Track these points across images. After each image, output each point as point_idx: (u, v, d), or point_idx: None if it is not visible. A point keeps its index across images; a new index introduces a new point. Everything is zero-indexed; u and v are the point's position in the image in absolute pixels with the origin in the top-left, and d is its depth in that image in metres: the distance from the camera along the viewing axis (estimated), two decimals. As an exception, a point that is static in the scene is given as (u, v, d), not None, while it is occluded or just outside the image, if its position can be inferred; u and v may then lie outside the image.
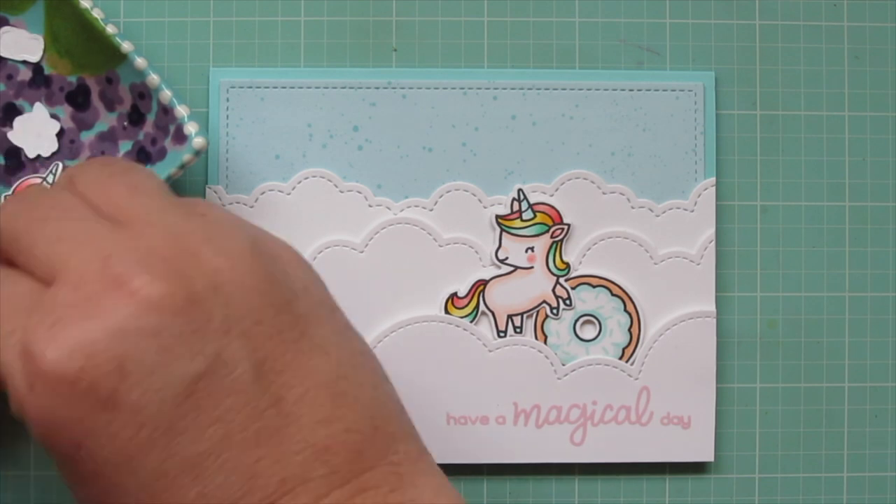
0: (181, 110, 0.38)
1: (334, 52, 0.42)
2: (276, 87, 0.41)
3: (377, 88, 0.41)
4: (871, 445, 0.43)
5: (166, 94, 0.38)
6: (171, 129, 0.38)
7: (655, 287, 0.41)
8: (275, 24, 0.41)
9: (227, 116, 0.41)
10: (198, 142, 0.37)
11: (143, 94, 0.39)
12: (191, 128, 0.38)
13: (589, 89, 0.41)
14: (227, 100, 0.41)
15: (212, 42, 0.41)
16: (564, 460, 0.41)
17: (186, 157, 0.38)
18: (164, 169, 0.38)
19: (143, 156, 0.39)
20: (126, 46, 0.38)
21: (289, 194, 0.41)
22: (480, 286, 0.41)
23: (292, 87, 0.41)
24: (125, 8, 0.41)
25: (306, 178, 0.41)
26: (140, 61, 0.38)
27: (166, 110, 0.38)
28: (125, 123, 0.40)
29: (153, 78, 0.38)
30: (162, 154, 0.39)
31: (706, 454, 0.42)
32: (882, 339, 0.43)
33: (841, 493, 0.43)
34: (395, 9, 0.42)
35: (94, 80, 0.40)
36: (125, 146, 0.40)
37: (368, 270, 0.41)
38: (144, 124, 0.40)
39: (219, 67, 0.41)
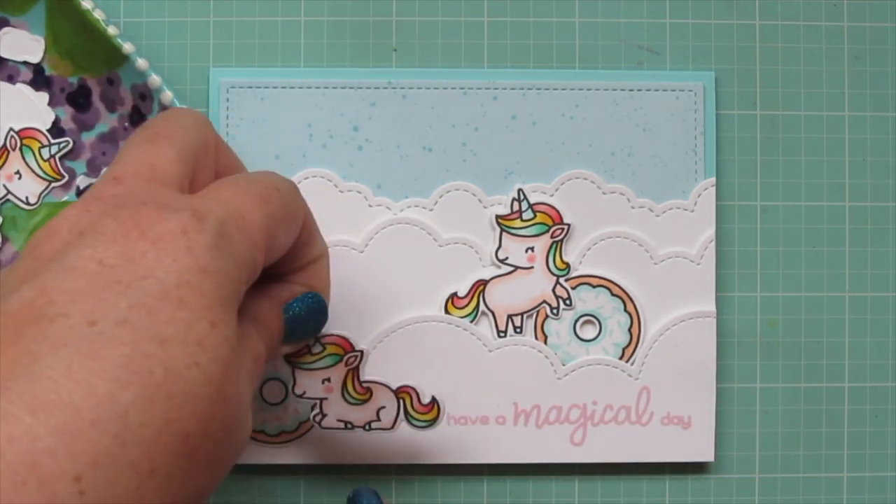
0: None
1: (334, 52, 0.42)
2: (276, 87, 0.41)
3: (377, 88, 0.41)
4: (871, 445, 0.43)
5: (168, 95, 0.38)
6: None
7: (655, 287, 0.41)
8: (275, 24, 0.41)
9: (228, 116, 0.41)
10: None
11: (144, 95, 0.39)
12: None
13: (589, 89, 0.41)
14: (228, 100, 0.41)
15: (212, 42, 0.41)
16: (564, 460, 0.41)
17: None
18: None
19: None
20: (127, 48, 0.38)
21: (289, 194, 0.41)
22: (480, 286, 0.41)
23: (292, 87, 0.41)
24: (125, 8, 0.41)
25: (306, 178, 0.41)
26: (141, 62, 0.38)
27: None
28: (126, 124, 0.40)
29: (154, 79, 0.38)
30: None
31: (706, 454, 0.42)
32: (882, 339, 0.43)
33: (841, 493, 0.43)
34: (395, 9, 0.42)
35: (95, 81, 0.40)
36: None
37: (368, 270, 0.41)
38: None
39: (219, 67, 0.41)
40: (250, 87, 0.41)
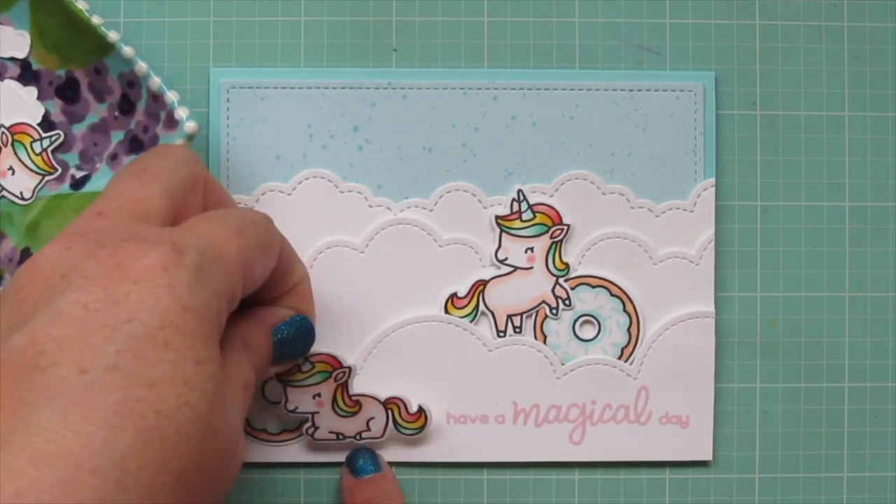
0: (171, 96, 0.38)
1: (334, 52, 0.42)
2: (276, 88, 0.41)
3: (377, 88, 0.41)
4: (871, 445, 0.43)
5: (155, 81, 0.38)
6: (162, 115, 0.38)
7: (655, 287, 0.41)
8: (275, 24, 0.41)
9: (228, 117, 0.41)
10: (189, 126, 0.37)
11: (132, 82, 0.39)
12: (181, 112, 0.38)
13: (589, 89, 0.41)
14: (228, 100, 0.41)
15: (212, 42, 0.41)
16: (563, 459, 0.42)
17: (179, 141, 0.38)
18: None
19: (136, 144, 0.39)
20: (112, 36, 0.38)
21: (289, 195, 0.41)
22: (480, 286, 0.41)
23: (292, 88, 0.41)
24: (125, 8, 0.41)
25: (307, 179, 0.41)
26: (127, 50, 0.38)
27: (156, 97, 0.38)
28: (116, 113, 0.40)
29: (141, 66, 0.38)
30: (154, 141, 0.39)
31: (705, 453, 0.42)
32: (882, 339, 0.43)
33: (841, 493, 0.43)
34: (395, 9, 0.42)
35: (82, 72, 0.40)
36: (117, 136, 0.40)
37: (368, 270, 0.41)
38: (135, 113, 0.40)
39: (219, 67, 0.41)
40: (250, 88, 0.41)
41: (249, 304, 0.35)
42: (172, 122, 0.38)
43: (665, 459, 0.42)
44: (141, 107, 0.39)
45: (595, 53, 0.42)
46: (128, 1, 0.41)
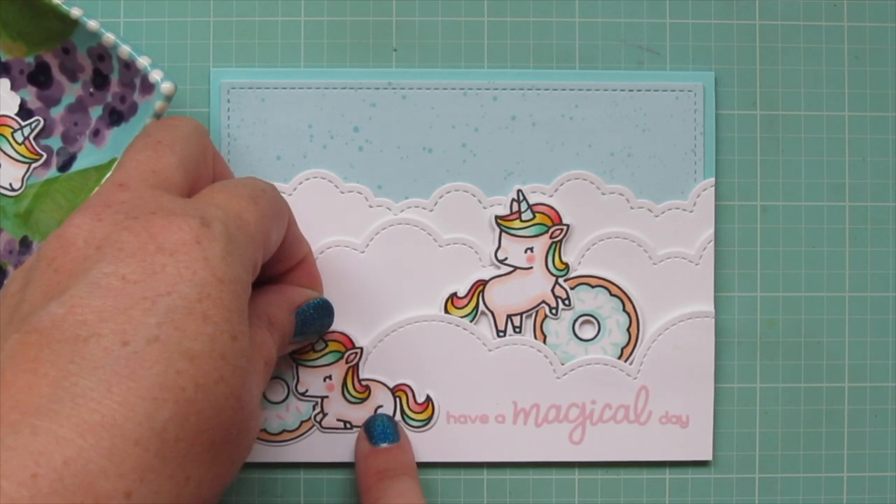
0: (143, 61, 0.38)
1: (334, 52, 0.42)
2: (276, 88, 0.41)
3: (377, 89, 0.41)
4: (871, 445, 0.43)
5: (125, 50, 0.38)
6: (137, 82, 0.38)
7: (654, 287, 0.41)
8: (275, 24, 0.42)
9: (229, 118, 0.41)
10: (166, 87, 0.37)
11: (101, 56, 0.39)
12: (156, 75, 0.37)
13: (589, 89, 0.41)
14: (229, 101, 0.41)
15: (212, 42, 0.41)
16: (563, 459, 0.42)
17: (158, 104, 0.37)
18: (139, 122, 0.38)
19: (116, 116, 0.39)
20: (76, 12, 0.38)
21: (290, 195, 0.41)
22: (480, 286, 0.41)
23: (293, 88, 0.41)
24: (125, 8, 0.41)
25: (307, 179, 0.41)
26: (92, 24, 0.37)
27: (128, 65, 0.38)
28: (91, 90, 0.40)
29: (108, 37, 0.38)
30: (133, 109, 0.39)
31: (704, 453, 0.42)
32: (882, 339, 0.43)
33: (841, 493, 0.43)
34: (395, 9, 0.42)
35: (51, 54, 0.40)
36: (96, 112, 0.40)
37: (369, 270, 0.41)
38: (110, 85, 0.39)
39: (219, 68, 0.41)
40: (251, 88, 0.41)
41: (270, 282, 0.37)
42: (148, 87, 0.38)
43: (665, 459, 0.42)
44: (114, 78, 0.39)
45: (595, 53, 0.42)
46: (128, 1, 0.41)
